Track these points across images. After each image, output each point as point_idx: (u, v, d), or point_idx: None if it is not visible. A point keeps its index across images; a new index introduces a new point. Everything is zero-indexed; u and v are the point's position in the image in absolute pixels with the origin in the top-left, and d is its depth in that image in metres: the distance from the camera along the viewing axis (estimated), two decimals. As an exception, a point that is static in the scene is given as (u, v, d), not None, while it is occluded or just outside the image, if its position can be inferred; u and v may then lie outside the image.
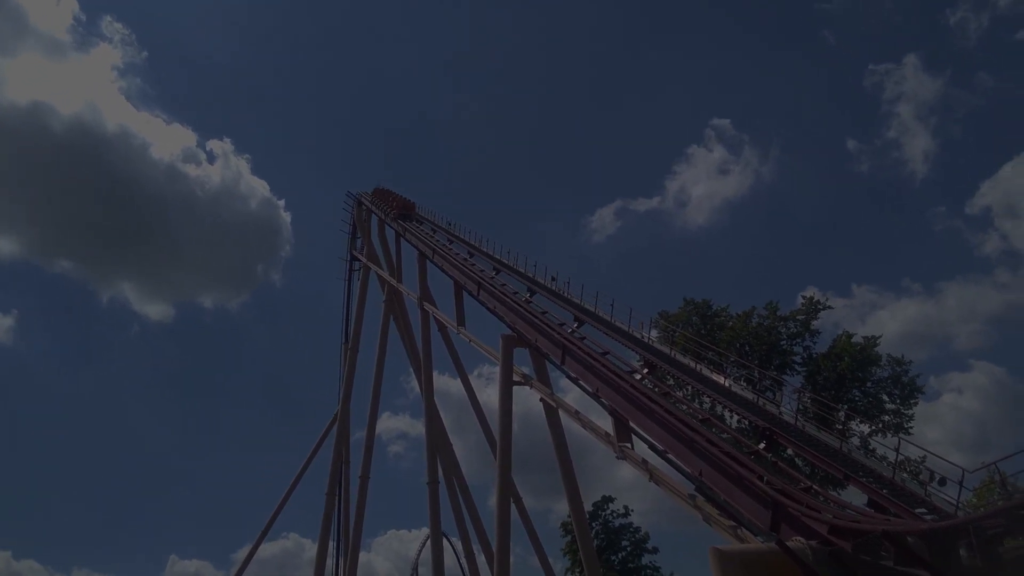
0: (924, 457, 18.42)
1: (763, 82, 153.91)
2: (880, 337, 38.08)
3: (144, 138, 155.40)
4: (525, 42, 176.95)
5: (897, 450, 16.93)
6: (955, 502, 14.59)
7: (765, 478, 16.26)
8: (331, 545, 52.89)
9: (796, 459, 23.61)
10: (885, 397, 36.70)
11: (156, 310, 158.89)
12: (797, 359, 38.64)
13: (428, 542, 46.12)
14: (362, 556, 54.38)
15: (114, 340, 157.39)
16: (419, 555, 77.64)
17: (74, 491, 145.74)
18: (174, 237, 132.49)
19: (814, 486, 16.85)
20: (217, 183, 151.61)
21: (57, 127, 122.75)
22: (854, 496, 17.61)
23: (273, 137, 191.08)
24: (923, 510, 15.22)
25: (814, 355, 38.18)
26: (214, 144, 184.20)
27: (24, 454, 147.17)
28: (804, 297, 40.35)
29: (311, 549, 65.52)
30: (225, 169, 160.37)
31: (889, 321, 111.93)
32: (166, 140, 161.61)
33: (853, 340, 37.91)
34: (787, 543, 13.36)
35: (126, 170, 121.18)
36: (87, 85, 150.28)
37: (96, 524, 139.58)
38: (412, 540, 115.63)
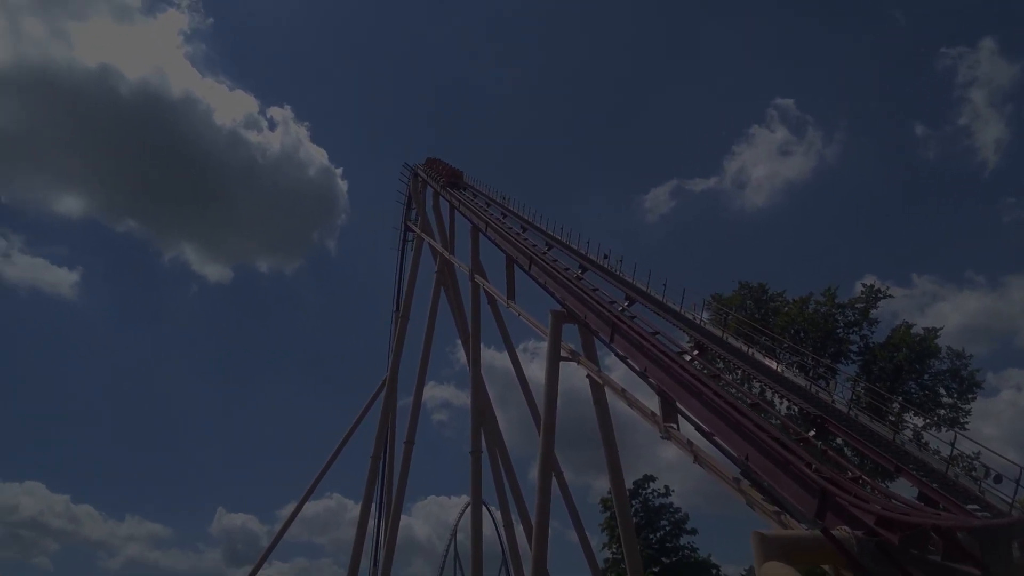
0: (979, 453, 17.92)
1: (830, 62, 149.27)
2: (941, 329, 37.04)
3: (208, 103, 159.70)
4: (585, 14, 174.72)
5: (952, 444, 16.53)
6: (1010, 500, 14.21)
7: (813, 466, 16.06)
8: (373, 507, 54.31)
9: (846, 448, 23.19)
10: (942, 391, 35.68)
11: (215, 271, 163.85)
12: (853, 348, 37.77)
13: (468, 509, 46.96)
14: (403, 519, 55.69)
15: (174, 299, 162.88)
16: (458, 521, 79.33)
17: (130, 443, 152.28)
18: (234, 202, 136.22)
19: (863, 476, 16.61)
20: (277, 150, 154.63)
21: (124, 91, 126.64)
22: (904, 489, 17.31)
23: (332, 105, 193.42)
24: (975, 507, 14.89)
25: (871, 344, 37.27)
26: (275, 111, 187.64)
27: (85, 407, 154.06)
28: (864, 285, 39.34)
29: (353, 510, 67.33)
30: (285, 136, 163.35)
31: (950, 313, 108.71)
32: (229, 106, 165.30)
33: (912, 331, 36.89)
34: (832, 531, 13.23)
35: (190, 135, 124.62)
36: (154, 50, 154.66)
37: (149, 475, 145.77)
38: (451, 507, 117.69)
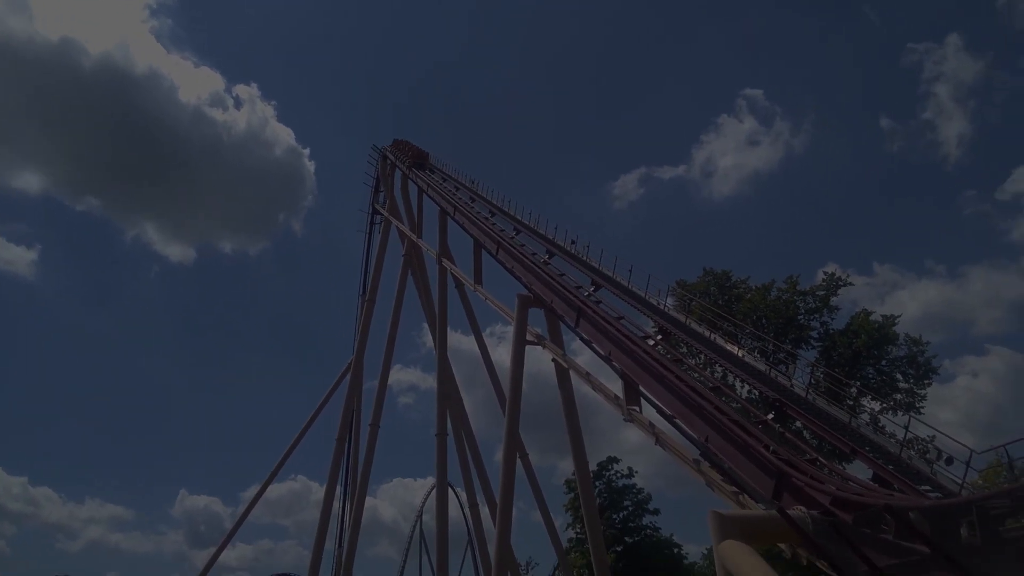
0: (933, 437, 18.44)
1: (799, 54, 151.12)
2: (899, 316, 37.90)
3: (172, 80, 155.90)
4: (559, 1, 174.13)
5: (907, 427, 16.97)
6: (960, 481, 14.63)
7: (771, 447, 16.38)
8: (338, 489, 54.15)
9: (804, 431, 23.68)
10: (899, 376, 36.57)
11: (177, 251, 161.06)
12: (813, 334, 38.50)
13: (434, 491, 47.01)
14: (368, 502, 55.85)
15: (135, 279, 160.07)
16: (424, 503, 79.49)
17: (89, 425, 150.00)
18: (198, 181, 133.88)
19: (819, 458, 16.98)
20: (243, 129, 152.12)
21: (86, 65, 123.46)
22: (860, 471, 17.69)
23: (300, 85, 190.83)
24: (928, 488, 15.28)
25: (831, 331, 38.01)
26: (241, 89, 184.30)
27: (42, 387, 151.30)
28: (825, 273, 40.07)
29: (318, 492, 67.11)
30: (251, 115, 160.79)
31: (909, 302, 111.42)
32: (194, 83, 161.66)
33: (871, 318, 37.66)
34: (788, 511, 13.49)
35: (154, 112, 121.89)
36: (118, 24, 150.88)
37: (109, 457, 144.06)
38: (417, 489, 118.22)
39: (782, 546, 15.19)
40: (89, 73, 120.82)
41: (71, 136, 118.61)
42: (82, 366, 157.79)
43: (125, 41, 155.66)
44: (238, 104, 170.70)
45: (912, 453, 16.89)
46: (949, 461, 15.23)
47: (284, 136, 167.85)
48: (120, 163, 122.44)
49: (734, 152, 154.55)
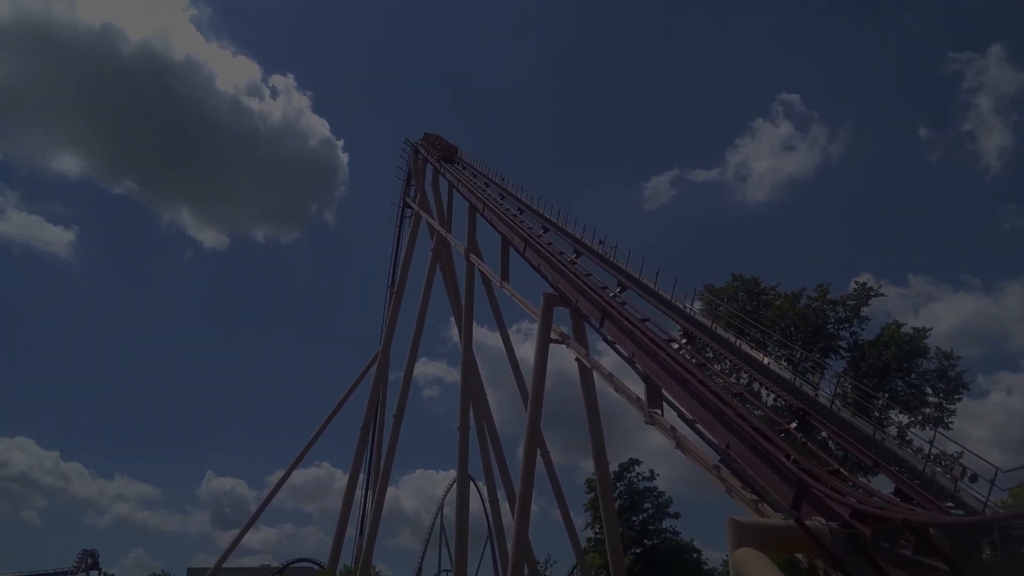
0: (961, 453, 18.11)
1: (838, 60, 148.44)
2: (931, 329, 37.13)
3: (210, 69, 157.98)
4: (596, 1, 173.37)
5: (931, 442, 16.72)
6: (984, 500, 14.40)
7: (792, 457, 16.27)
8: (361, 478, 54.86)
9: (829, 442, 23.43)
10: (929, 390, 35.91)
11: (211, 237, 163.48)
12: (842, 344, 37.93)
13: (455, 484, 47.34)
14: (390, 492, 56.39)
15: (169, 263, 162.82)
16: (446, 495, 79.99)
17: (120, 404, 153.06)
18: (233, 169, 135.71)
19: (842, 469, 16.81)
20: (278, 119, 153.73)
21: (126, 51, 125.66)
22: (883, 485, 17.50)
23: (336, 76, 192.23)
24: (951, 504, 15.09)
25: (860, 342, 37.44)
26: (277, 79, 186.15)
27: (76, 366, 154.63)
28: (857, 283, 39.47)
29: (341, 480, 68.02)
30: (287, 105, 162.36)
31: (944, 314, 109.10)
32: (231, 72, 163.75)
33: (902, 330, 37.03)
34: (807, 522, 13.44)
35: (191, 100, 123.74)
36: (158, 11, 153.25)
37: (139, 436, 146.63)
38: (439, 481, 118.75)
39: (799, 556, 15.13)
40: (128, 59, 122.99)
41: (110, 121, 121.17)
42: (116, 346, 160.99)
43: (165, 29, 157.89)
44: (274, 94, 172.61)
45: (937, 469, 16.63)
46: (973, 479, 14.98)
47: (319, 127, 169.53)
48: (158, 149, 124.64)
49: (769, 157, 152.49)
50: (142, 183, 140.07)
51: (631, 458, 51.34)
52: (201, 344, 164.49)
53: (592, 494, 47.59)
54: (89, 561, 77.73)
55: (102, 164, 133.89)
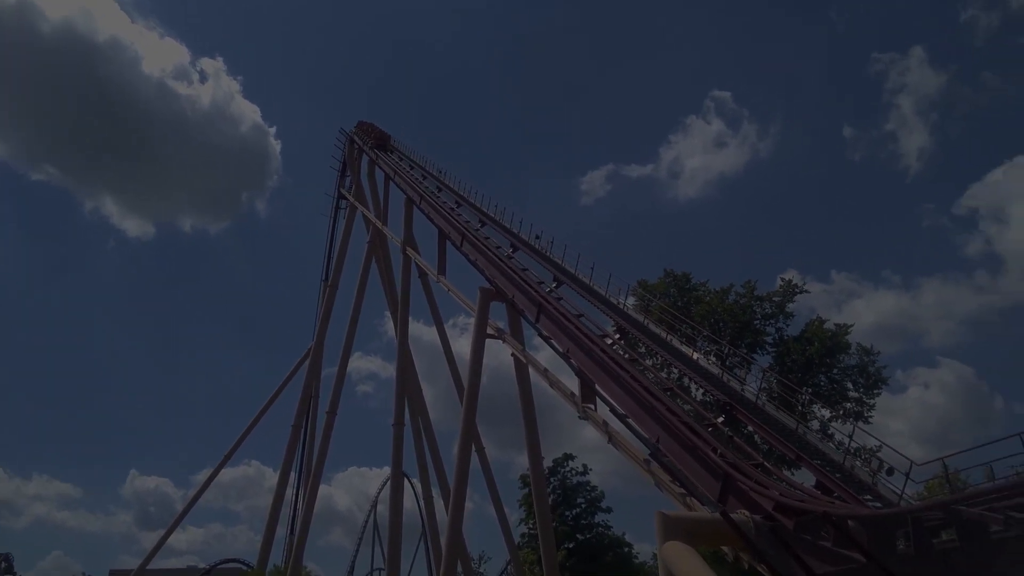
0: (879, 447, 18.81)
1: (768, 57, 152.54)
2: (852, 326, 38.57)
3: (136, 51, 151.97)
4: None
5: (851, 437, 17.31)
6: (899, 492, 14.95)
7: (719, 451, 16.57)
8: (292, 475, 53.70)
9: (754, 436, 24.02)
10: (850, 385, 37.28)
11: (135, 226, 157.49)
12: (768, 340, 39.06)
13: (389, 481, 46.86)
14: (322, 489, 55.49)
15: (92, 253, 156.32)
16: (379, 492, 79.19)
17: (39, 400, 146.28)
18: (160, 155, 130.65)
19: (766, 463, 17.22)
20: (207, 104, 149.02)
21: (45, 29, 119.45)
22: (806, 478, 18.02)
23: (268, 60, 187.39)
24: (869, 497, 15.60)
25: (785, 337, 38.61)
26: (206, 63, 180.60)
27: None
28: (782, 279, 40.67)
29: (271, 478, 66.45)
30: (216, 89, 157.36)
31: (865, 311, 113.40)
32: (158, 55, 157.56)
33: (825, 326, 38.33)
34: (732, 515, 13.68)
35: (116, 82, 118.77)
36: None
37: (59, 433, 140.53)
38: (372, 478, 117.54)
39: (725, 549, 15.41)
40: (48, 38, 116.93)
41: (29, 103, 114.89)
42: (34, 340, 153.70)
43: (87, 7, 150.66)
44: (203, 78, 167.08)
45: (856, 463, 17.22)
46: (890, 472, 15.59)
47: (250, 113, 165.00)
48: (80, 133, 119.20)
49: (701, 154, 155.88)
50: (63, 169, 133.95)
51: (565, 453, 51.83)
52: (125, 338, 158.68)
53: (526, 490, 47.81)
54: (3, 565, 74.11)
55: (19, 148, 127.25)
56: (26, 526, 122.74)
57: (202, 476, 62.41)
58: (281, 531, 51.91)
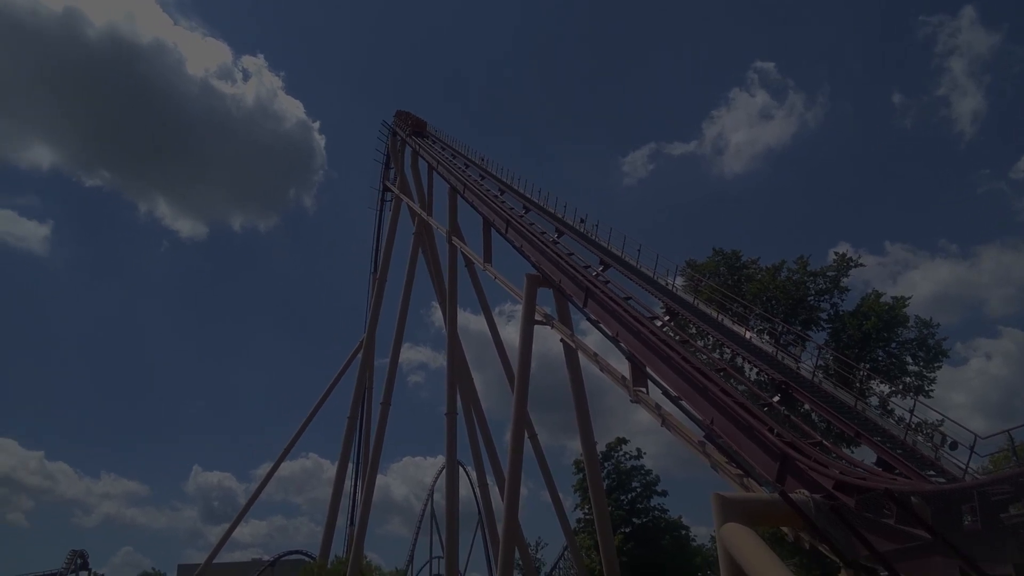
0: (941, 421, 18.32)
1: (810, 25, 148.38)
2: (910, 298, 37.43)
3: (180, 52, 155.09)
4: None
5: (912, 411, 16.87)
6: (964, 467, 14.55)
7: (775, 430, 16.34)
8: (350, 467, 54.80)
9: (811, 415, 23.59)
10: (909, 359, 36.23)
11: (187, 226, 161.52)
12: (823, 316, 38.16)
13: (444, 470, 47.41)
14: (379, 480, 56.46)
15: (148, 254, 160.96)
16: (435, 481, 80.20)
17: (103, 401, 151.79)
18: (207, 155, 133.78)
19: (824, 441, 16.92)
20: (251, 102, 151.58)
21: (91, 36, 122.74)
22: (866, 455, 17.66)
23: (308, 55, 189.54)
24: (932, 472, 15.23)
25: (840, 313, 37.68)
26: (248, 61, 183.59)
27: (57, 364, 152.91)
28: (836, 253, 39.67)
29: (330, 470, 67.91)
30: (259, 87, 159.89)
31: (921, 281, 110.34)
32: (201, 55, 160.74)
33: (882, 300, 37.30)
34: (791, 495, 13.50)
35: (160, 84, 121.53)
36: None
37: (124, 432, 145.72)
38: (427, 467, 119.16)
39: (785, 529, 15.23)
40: (95, 44, 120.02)
41: (80, 110, 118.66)
42: (96, 342, 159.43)
43: (131, 11, 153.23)
44: (246, 76, 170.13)
45: (918, 438, 16.79)
46: (954, 446, 15.14)
47: (293, 109, 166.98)
48: (129, 137, 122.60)
49: (746, 127, 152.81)
50: (116, 173, 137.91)
51: (618, 437, 51.69)
52: (182, 337, 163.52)
53: (580, 475, 47.84)
54: (79, 562, 77.25)
55: (73, 154, 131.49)
56: (97, 524, 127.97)
57: (263, 470, 64.41)
58: (341, 521, 53.17)
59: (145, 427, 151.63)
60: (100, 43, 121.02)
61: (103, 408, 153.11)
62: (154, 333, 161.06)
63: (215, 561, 57.42)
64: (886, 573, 12.00)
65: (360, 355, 55.41)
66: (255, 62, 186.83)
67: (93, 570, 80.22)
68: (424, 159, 52.26)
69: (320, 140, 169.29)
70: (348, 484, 54.78)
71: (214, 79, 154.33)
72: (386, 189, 61.32)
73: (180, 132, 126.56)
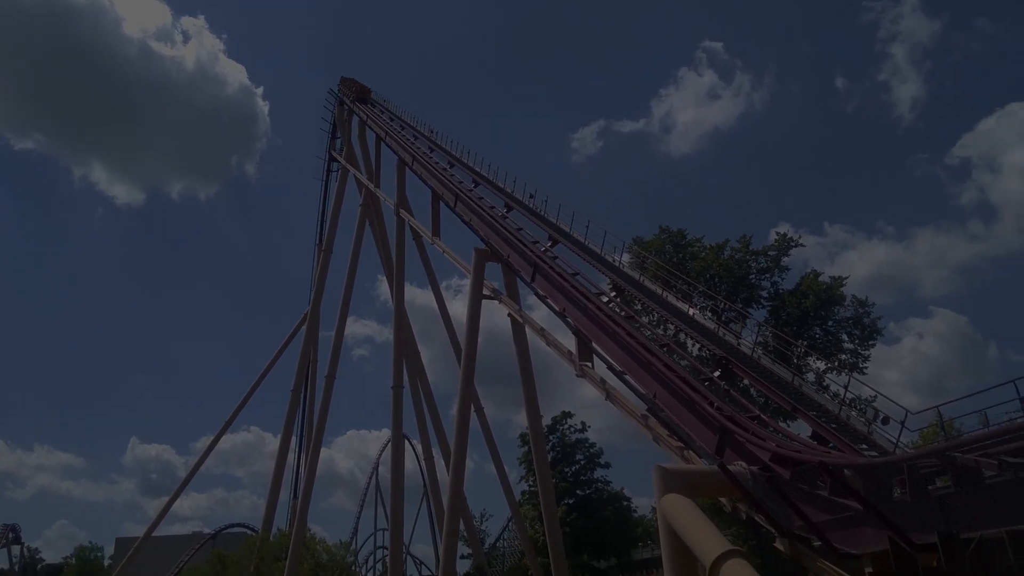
0: (874, 397, 18.92)
1: (759, 5, 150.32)
2: (847, 278, 38.66)
3: (117, 12, 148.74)
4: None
5: (846, 387, 17.40)
6: (895, 441, 15.09)
7: (715, 404, 16.68)
8: (293, 440, 54.17)
9: (750, 390, 24.17)
10: (845, 337, 37.46)
11: (123, 192, 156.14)
12: (764, 294, 39.11)
13: (390, 443, 47.30)
14: (323, 453, 55.94)
15: (81, 220, 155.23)
16: (380, 455, 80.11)
17: (36, 372, 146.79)
18: (145, 119, 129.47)
19: (762, 415, 17.35)
20: (191, 65, 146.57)
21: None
22: (802, 429, 18.18)
23: (251, 18, 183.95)
24: (865, 446, 15.77)
25: (780, 291, 38.66)
26: (188, 22, 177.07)
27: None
28: (777, 233, 40.61)
29: (272, 443, 67.42)
30: (200, 49, 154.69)
31: (858, 262, 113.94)
32: (139, 15, 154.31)
33: (820, 279, 38.38)
34: (729, 467, 13.83)
35: (98, 46, 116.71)
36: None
37: (58, 404, 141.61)
38: (372, 440, 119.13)
39: (723, 500, 15.61)
40: (25, 2, 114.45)
41: (11, 70, 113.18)
42: (29, 311, 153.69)
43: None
44: (186, 38, 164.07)
45: (852, 413, 17.35)
46: (885, 421, 15.69)
47: (235, 74, 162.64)
48: (64, 99, 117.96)
49: (694, 107, 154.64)
50: (49, 136, 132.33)
51: (563, 411, 52.38)
52: (119, 306, 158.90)
53: (526, 448, 48.36)
54: (11, 536, 75.12)
55: (5, 116, 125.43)
56: (30, 497, 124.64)
57: (203, 443, 63.27)
58: (284, 495, 52.71)
59: (80, 399, 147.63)
60: (32, 1, 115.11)
61: (36, 379, 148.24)
62: (90, 302, 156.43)
63: (154, 534, 56.35)
64: (819, 542, 12.42)
65: (304, 328, 54.59)
66: (195, 23, 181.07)
67: (26, 544, 78.14)
68: (372, 130, 51.30)
69: (264, 106, 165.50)
70: (291, 457, 54.25)
71: (153, 40, 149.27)
72: (332, 159, 60.11)
73: (117, 95, 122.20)
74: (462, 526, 41.86)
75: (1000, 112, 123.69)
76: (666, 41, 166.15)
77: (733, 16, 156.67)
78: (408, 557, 73.41)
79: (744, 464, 14.29)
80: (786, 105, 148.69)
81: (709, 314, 27.03)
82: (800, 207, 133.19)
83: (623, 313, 23.73)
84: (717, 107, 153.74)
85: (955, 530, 9.95)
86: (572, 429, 51.36)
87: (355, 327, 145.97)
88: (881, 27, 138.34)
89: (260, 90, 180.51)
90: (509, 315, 30.88)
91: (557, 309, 24.86)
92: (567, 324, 24.45)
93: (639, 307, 28.98)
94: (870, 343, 37.50)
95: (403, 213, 43.95)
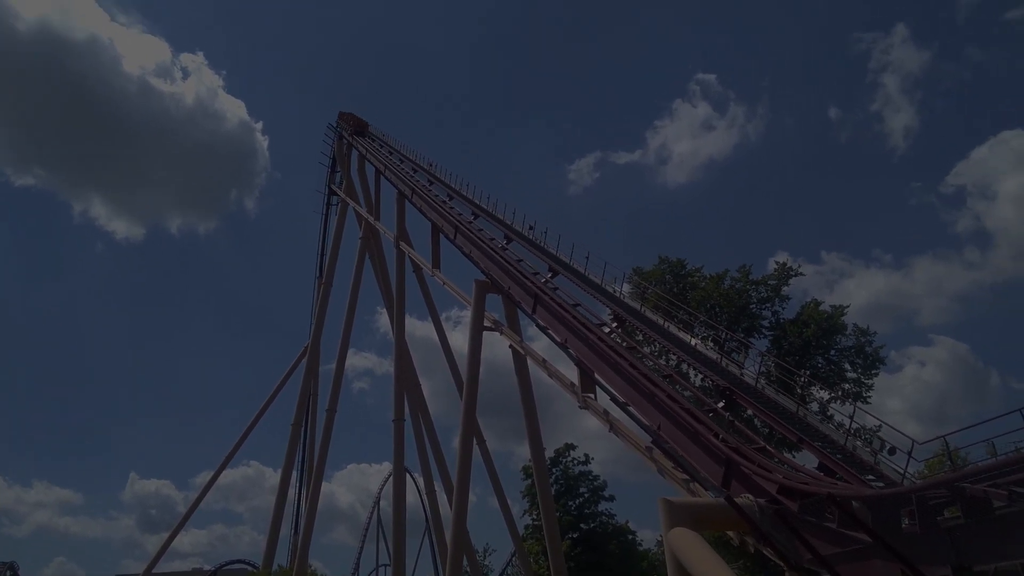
0: (880, 426, 18.79)
1: (752, 38, 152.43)
2: (847, 307, 38.70)
3: (116, 49, 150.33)
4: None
5: (851, 417, 17.26)
6: (902, 471, 14.96)
7: (720, 436, 16.56)
8: (294, 475, 53.62)
9: (755, 420, 24.03)
10: (847, 366, 37.38)
11: (123, 227, 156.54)
12: (765, 323, 39.12)
13: (391, 477, 46.77)
14: (324, 487, 55.31)
15: (83, 255, 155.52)
16: (382, 488, 79.18)
17: (36, 406, 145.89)
18: (145, 155, 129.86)
19: (768, 447, 17.20)
20: (191, 101, 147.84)
21: (21, 29, 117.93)
22: (808, 460, 18.03)
23: (250, 53, 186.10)
24: (872, 477, 15.61)
25: (781, 320, 38.65)
26: (187, 58, 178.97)
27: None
28: (776, 263, 40.76)
29: (272, 478, 66.72)
30: (199, 85, 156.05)
31: (856, 290, 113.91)
32: (139, 52, 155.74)
33: (821, 308, 38.39)
34: (736, 499, 13.67)
35: (97, 82, 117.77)
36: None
37: (57, 439, 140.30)
38: (373, 474, 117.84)
39: (730, 533, 15.42)
40: (25, 38, 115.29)
41: (11, 105, 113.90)
42: (28, 346, 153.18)
43: (64, 5, 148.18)
44: (185, 75, 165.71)
45: (857, 443, 17.21)
46: (892, 451, 15.57)
47: (234, 109, 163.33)
48: (64, 135, 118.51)
49: (689, 138, 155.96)
50: (50, 171, 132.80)
51: (566, 443, 52.01)
52: (118, 341, 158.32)
53: (529, 480, 47.90)
54: (8, 573, 74.04)
55: (5, 152, 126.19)
56: (28, 533, 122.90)
57: (203, 478, 62.52)
58: (285, 530, 52.01)
59: (79, 434, 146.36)
60: (30, 37, 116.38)
61: (35, 414, 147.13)
62: (89, 337, 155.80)
63: (154, 571, 55.47)
64: (828, 576, 12.24)
65: (304, 361, 54.37)
66: (195, 60, 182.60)
67: (24, 581, 76.91)
68: (372, 163, 51.67)
69: (263, 141, 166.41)
70: (292, 492, 53.65)
71: (152, 77, 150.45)
72: (332, 192, 60.42)
73: (117, 131, 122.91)
74: (465, 562, 41.30)
75: (993, 140, 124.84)
76: (659, 73, 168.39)
77: (726, 49, 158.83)
78: (410, 593, 72.23)
79: (751, 496, 14.13)
80: (780, 136, 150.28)
81: (711, 344, 26.94)
82: (797, 236, 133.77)
83: (625, 344, 23.69)
84: (712, 138, 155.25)
85: (967, 563, 9.81)
86: (575, 461, 50.95)
87: (355, 359, 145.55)
88: (872, 58, 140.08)
89: (259, 125, 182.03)
90: (510, 346, 30.79)
91: (559, 340, 24.79)
92: (569, 355, 24.35)
93: (640, 337, 28.92)
94: (873, 372, 37.43)
95: (403, 245, 44.07)
